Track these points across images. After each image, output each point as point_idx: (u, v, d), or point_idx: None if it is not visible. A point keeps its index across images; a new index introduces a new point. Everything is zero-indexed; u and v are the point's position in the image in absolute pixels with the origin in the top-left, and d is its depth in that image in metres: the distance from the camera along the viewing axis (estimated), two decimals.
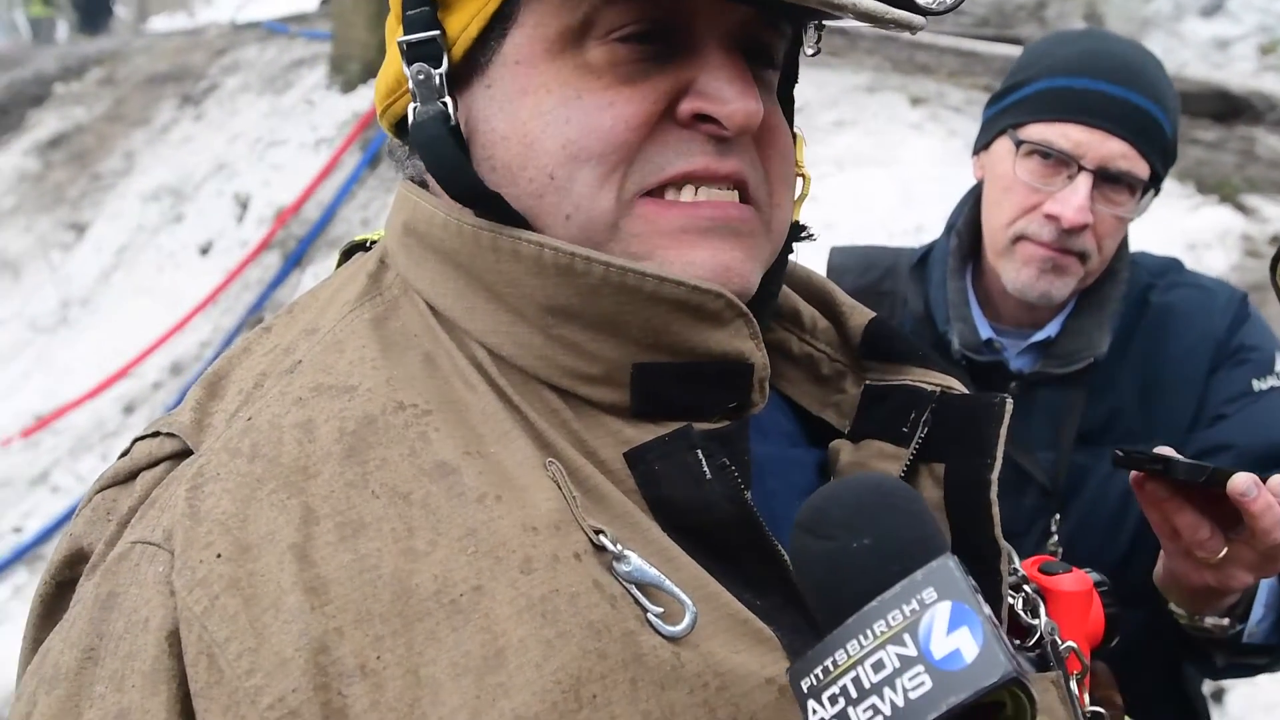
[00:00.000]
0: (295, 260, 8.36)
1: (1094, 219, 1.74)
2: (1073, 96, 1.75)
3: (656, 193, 0.84)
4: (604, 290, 0.82)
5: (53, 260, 10.43)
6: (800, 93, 1.00)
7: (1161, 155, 1.77)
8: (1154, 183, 1.79)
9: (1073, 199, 1.72)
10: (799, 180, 0.95)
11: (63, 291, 9.86)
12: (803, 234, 0.99)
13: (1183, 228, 5.47)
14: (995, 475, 0.89)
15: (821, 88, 7.35)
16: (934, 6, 0.84)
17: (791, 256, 0.98)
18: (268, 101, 10.92)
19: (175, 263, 9.42)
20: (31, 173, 12.31)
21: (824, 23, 0.92)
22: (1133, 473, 1.29)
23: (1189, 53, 11.01)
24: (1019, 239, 1.80)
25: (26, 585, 6.68)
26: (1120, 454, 1.28)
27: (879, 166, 6.53)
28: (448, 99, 0.84)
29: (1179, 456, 1.26)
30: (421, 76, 0.84)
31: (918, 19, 0.84)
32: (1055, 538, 1.78)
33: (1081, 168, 1.73)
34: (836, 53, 8.32)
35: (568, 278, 0.82)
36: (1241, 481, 1.21)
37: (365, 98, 9.60)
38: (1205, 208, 5.85)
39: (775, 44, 0.89)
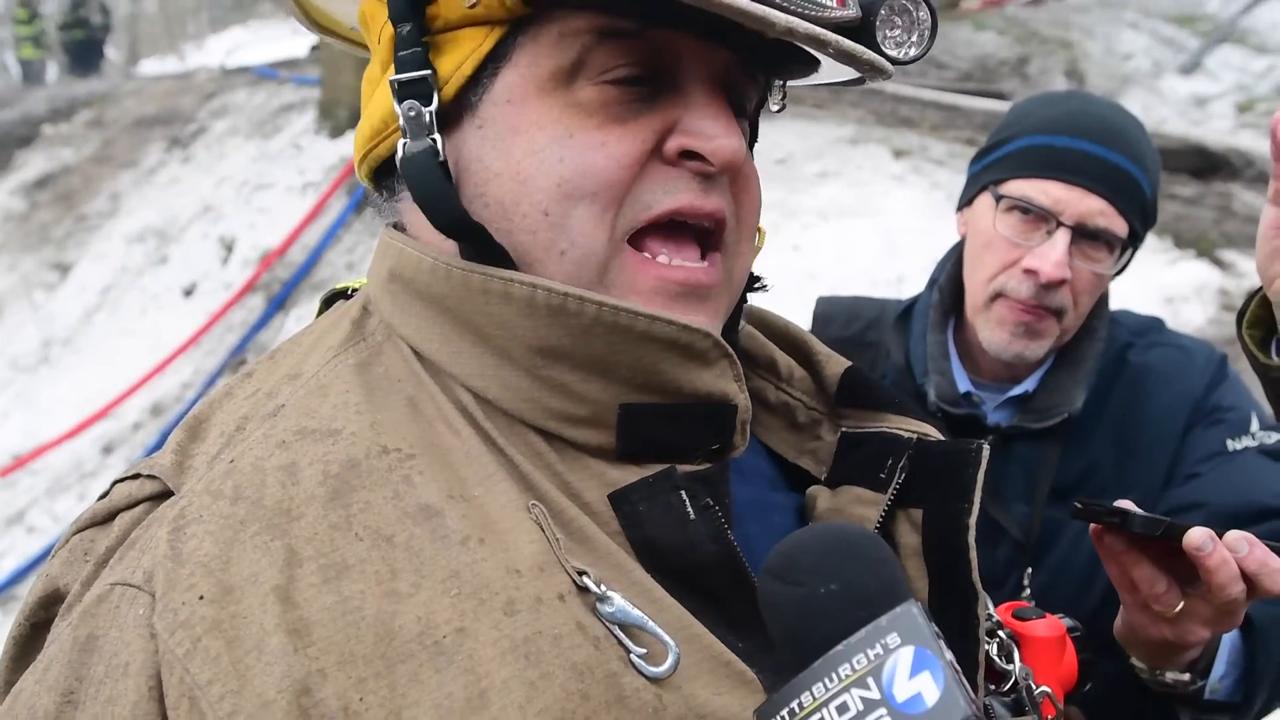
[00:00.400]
0: (279, 303, 8.36)
1: (1072, 275, 1.76)
2: (1053, 154, 1.78)
3: (638, 241, 0.86)
4: (596, 330, 0.83)
5: (36, 300, 10.40)
6: (784, 144, 1.03)
7: (1140, 214, 1.80)
8: (1133, 241, 1.81)
9: (1050, 254, 1.75)
10: (754, 234, 0.97)
11: (45, 331, 9.82)
12: (757, 284, 1.02)
13: (1160, 282, 5.53)
14: (974, 520, 0.90)
15: (806, 139, 7.44)
16: (900, 55, 0.88)
17: (746, 306, 1.00)
18: (255, 145, 10.97)
19: (159, 304, 9.41)
20: (17, 213, 12.30)
21: (790, 82, 0.96)
22: (1091, 525, 1.30)
23: (1168, 109, 11.18)
24: (997, 296, 1.82)
25: (0, 626, 6.62)
26: (1079, 505, 1.30)
27: (862, 217, 6.60)
28: (437, 135, 0.86)
29: (1136, 510, 1.27)
30: (413, 114, 0.86)
31: (888, 65, 0.87)
32: (1028, 590, 1.78)
33: (1060, 223, 1.76)
34: (821, 105, 8.42)
35: (559, 318, 0.83)
36: (1197, 536, 1.22)
37: (353, 142, 9.66)
38: (1183, 262, 5.92)
39: (749, 93, 0.92)
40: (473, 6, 0.84)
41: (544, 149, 0.84)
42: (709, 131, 0.85)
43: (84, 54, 21.13)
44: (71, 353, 9.53)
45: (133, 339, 9.10)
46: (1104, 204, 1.75)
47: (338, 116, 10.10)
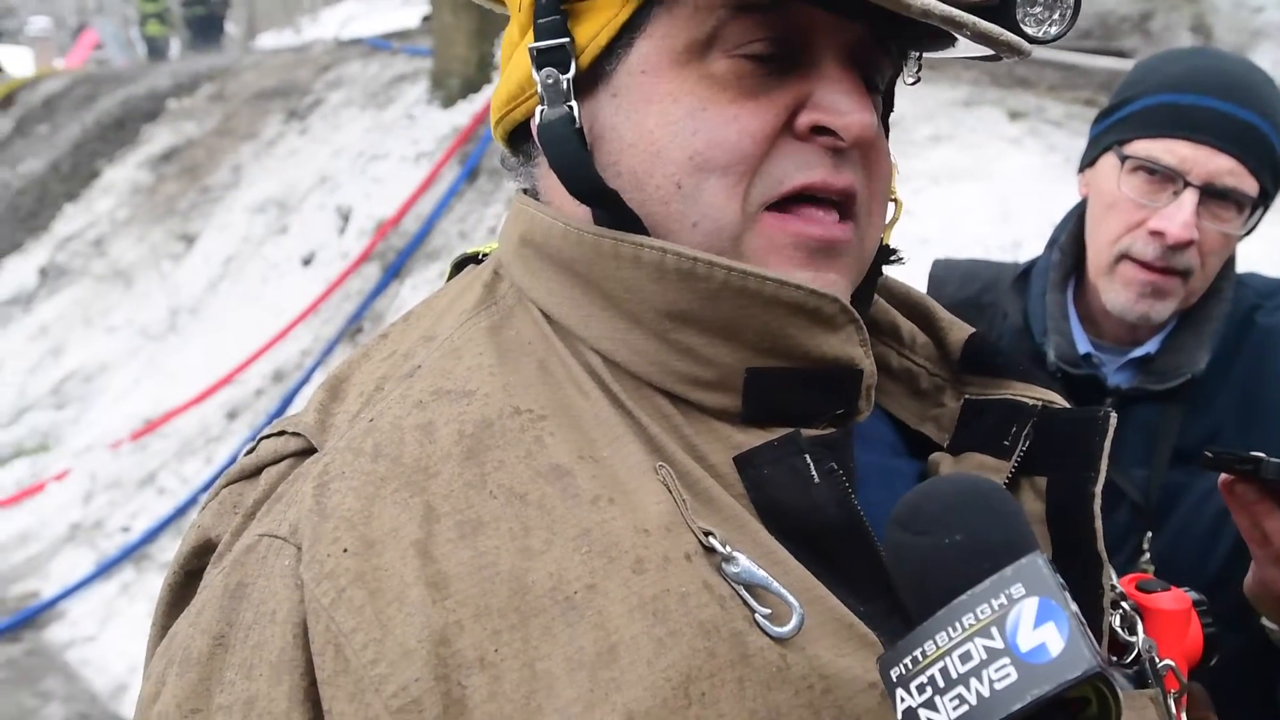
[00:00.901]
0: (394, 271, 8.53)
1: (1199, 235, 1.72)
2: (1179, 112, 1.74)
3: (777, 207, 0.87)
4: (724, 294, 0.84)
5: (163, 270, 10.80)
6: (896, 107, 1.03)
7: (1271, 172, 1.74)
8: (1264, 200, 1.76)
9: (1178, 215, 1.71)
10: (891, 205, 0.97)
11: (172, 300, 10.19)
12: (892, 257, 1.01)
13: None
14: (1099, 489, 0.90)
15: (917, 102, 7.30)
16: (1039, 35, 0.87)
17: (880, 279, 1.00)
18: (370, 116, 11.17)
19: (279, 273, 9.68)
20: (144, 185, 12.75)
21: (926, 53, 0.95)
22: (1221, 475, 1.27)
23: None
24: (1122, 258, 1.79)
25: (134, 583, 6.92)
26: (1209, 455, 1.27)
27: (976, 181, 6.46)
28: (574, 103, 0.88)
29: (1269, 457, 1.23)
30: (550, 81, 0.88)
31: (1026, 45, 0.86)
32: (1148, 555, 1.76)
33: (1188, 183, 1.72)
34: (933, 66, 8.23)
35: (688, 282, 0.84)
36: None
37: (465, 113, 9.77)
38: None
39: (883, 67, 0.92)
40: None
41: (678, 121, 0.85)
42: (841, 107, 0.85)
43: (206, 29, 21.76)
44: (198, 321, 9.87)
45: (255, 307, 9.38)
46: (1233, 162, 1.71)
47: (449, 86, 10.23)
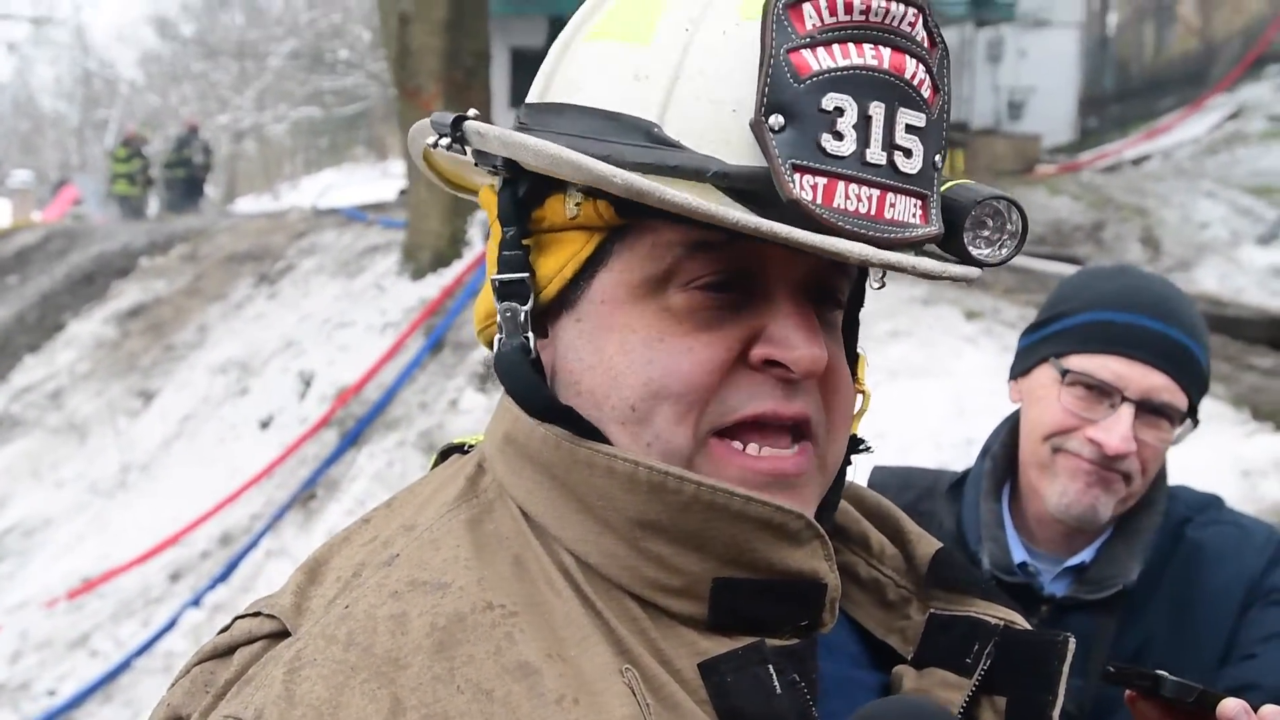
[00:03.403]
0: (352, 439, 8.51)
1: (1137, 446, 1.79)
2: (1115, 330, 1.83)
3: (726, 434, 0.90)
4: (693, 508, 0.87)
5: (119, 426, 10.69)
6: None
7: (1198, 387, 1.84)
8: (1191, 414, 1.84)
9: (1116, 428, 1.78)
10: (859, 396, 1.00)
11: (125, 456, 10.06)
12: (860, 446, 1.04)
13: (1237, 454, 5.44)
14: (1057, 713, 0.92)
15: (878, 299, 7.51)
16: (989, 258, 0.91)
17: (850, 469, 1.03)
18: (340, 284, 11.33)
19: (236, 434, 9.62)
20: (108, 340, 12.75)
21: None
22: (1126, 691, 1.30)
23: (1245, 279, 11.13)
24: (1059, 451, 1.84)
25: None
26: (1111, 669, 1.29)
27: (932, 378, 6.61)
28: (530, 335, 0.92)
29: (1169, 675, 1.26)
30: (509, 314, 0.93)
31: (973, 271, 0.91)
32: None
33: (1124, 398, 1.79)
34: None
35: (659, 494, 0.87)
36: (1230, 707, 1.21)
37: (433, 285, 9.93)
38: (1260, 435, 5.82)
39: (841, 285, 0.96)
40: (573, 217, 0.90)
41: (635, 350, 0.89)
42: (791, 341, 0.88)
43: (185, 192, 22.10)
44: (148, 479, 9.74)
45: (208, 468, 9.29)
46: (1166, 379, 1.79)
47: (420, 260, 10.42)
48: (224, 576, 7.71)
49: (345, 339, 9.97)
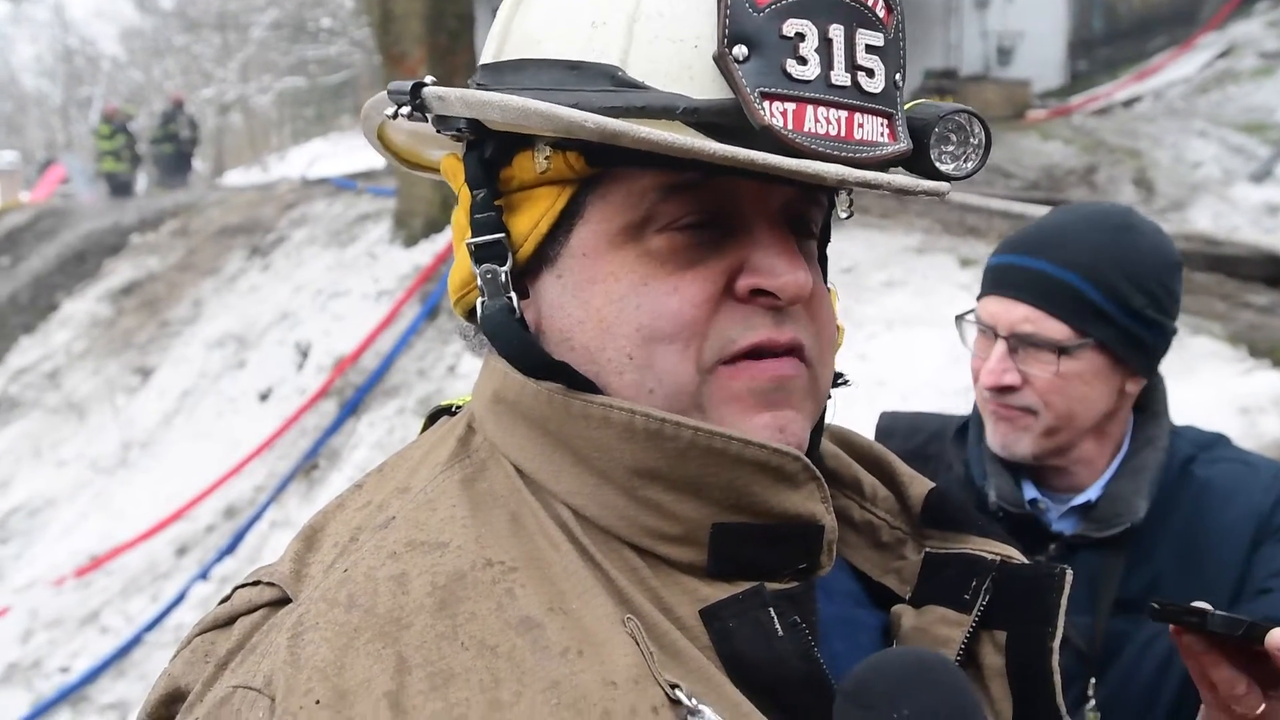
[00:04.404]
0: (351, 408, 8.52)
1: (1029, 379, 1.85)
2: (992, 272, 1.93)
3: (730, 361, 0.91)
4: (691, 453, 0.87)
5: (117, 403, 10.70)
6: (851, 253, 1.08)
7: (1080, 315, 1.85)
8: (1096, 335, 1.85)
9: (988, 363, 1.88)
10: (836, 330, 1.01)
11: (125, 434, 10.08)
12: (839, 380, 1.04)
13: (1235, 392, 5.45)
14: (1057, 644, 0.93)
15: (872, 248, 7.51)
16: (954, 171, 0.92)
17: (829, 403, 1.03)
18: (332, 254, 11.30)
19: (235, 408, 9.63)
20: (103, 318, 12.73)
21: (855, 190, 1.00)
22: (1171, 625, 1.30)
23: (1240, 218, 11.11)
24: (986, 402, 1.93)
25: None
26: (1156, 606, 1.30)
27: (928, 326, 6.61)
28: (512, 294, 0.92)
29: (1215, 610, 1.27)
30: (489, 275, 0.93)
31: (944, 185, 0.92)
32: (1092, 702, 1.78)
33: (997, 335, 1.88)
34: (887, 214, 8.50)
35: (656, 442, 0.87)
36: (1279, 636, 1.22)
37: (427, 252, 9.90)
38: (1258, 372, 5.83)
39: (815, 215, 0.97)
40: (544, 172, 0.90)
41: (622, 297, 0.89)
42: (776, 269, 0.89)
43: (173, 167, 21.99)
44: (149, 456, 9.76)
45: (209, 442, 9.31)
46: (1030, 310, 1.85)
47: (412, 226, 10.39)
48: (230, 549, 7.75)
49: (340, 308, 9.95)
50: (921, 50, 18.43)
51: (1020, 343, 1.86)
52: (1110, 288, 1.85)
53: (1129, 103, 16.69)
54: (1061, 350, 1.84)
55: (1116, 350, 1.86)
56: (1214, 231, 9.72)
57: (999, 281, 1.91)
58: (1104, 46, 22.86)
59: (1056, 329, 1.85)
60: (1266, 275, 7.67)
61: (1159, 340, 1.89)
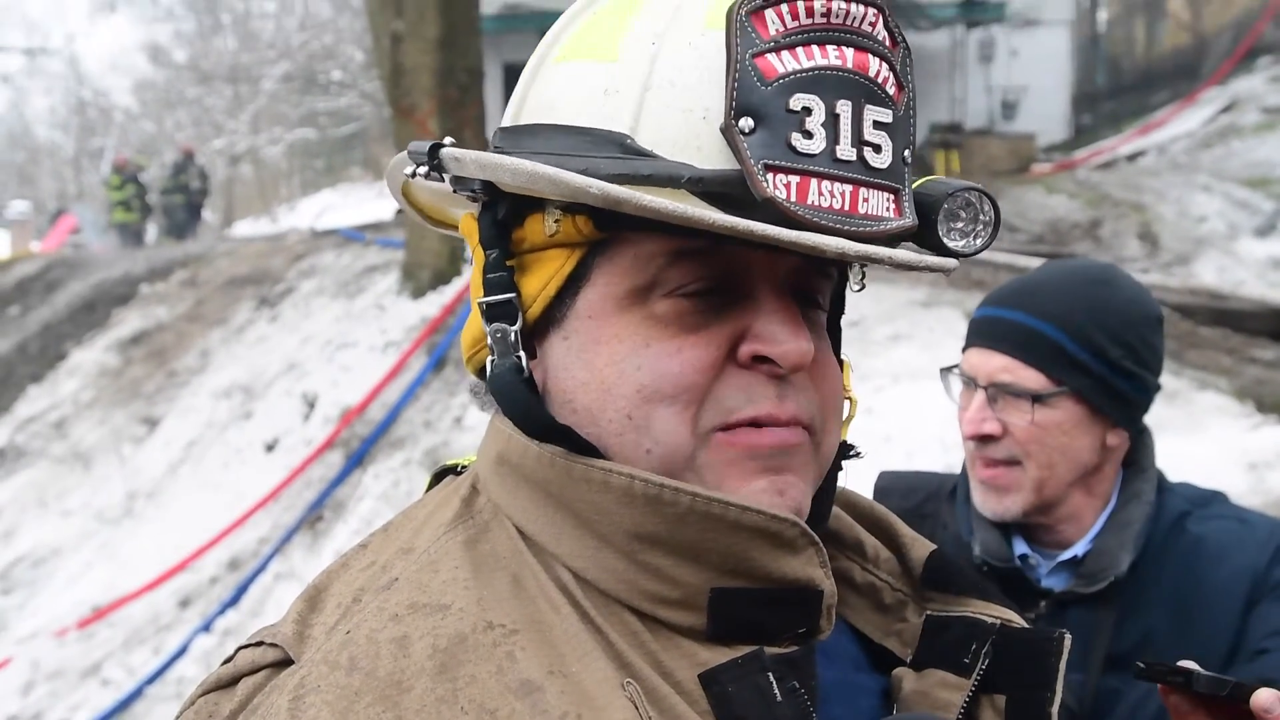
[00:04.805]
0: (357, 460, 8.51)
1: (1009, 428, 1.88)
2: (975, 325, 1.98)
3: (728, 428, 0.91)
4: (690, 519, 0.88)
5: (123, 453, 10.71)
6: (857, 306, 1.08)
7: (1055, 364, 1.87)
8: (1067, 388, 1.87)
9: (968, 413, 1.92)
10: (846, 404, 1.01)
11: (131, 484, 10.07)
12: (850, 452, 1.05)
13: (1243, 448, 5.43)
14: (1056, 709, 0.93)
15: (878, 302, 7.53)
16: (962, 250, 0.93)
17: (841, 474, 1.04)
18: (340, 305, 11.34)
19: (241, 459, 9.63)
20: (111, 368, 12.77)
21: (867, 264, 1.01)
22: (1158, 685, 1.30)
23: (1244, 272, 11.14)
24: (972, 458, 1.95)
25: None
26: (1142, 665, 1.30)
27: (934, 380, 6.60)
28: (521, 354, 0.93)
29: (1201, 670, 1.27)
30: (499, 335, 0.94)
31: (949, 262, 0.93)
32: None
33: (978, 385, 1.91)
34: (894, 269, 8.52)
35: (655, 507, 0.88)
36: (1265, 697, 1.21)
37: (434, 304, 9.94)
38: (1266, 427, 5.82)
39: (822, 287, 0.97)
40: (553, 235, 0.92)
41: (624, 359, 0.90)
42: (778, 336, 0.89)
43: (183, 217, 22.16)
44: (155, 506, 9.74)
45: (214, 493, 9.29)
46: (1007, 360, 1.89)
47: (420, 278, 10.44)
48: (234, 601, 7.72)
49: (347, 360, 9.98)
50: (927, 104, 18.59)
51: (999, 392, 1.89)
52: (1085, 338, 1.87)
53: (1133, 157, 16.82)
54: (1036, 399, 1.87)
55: (1093, 400, 1.87)
56: (1219, 286, 9.75)
57: (980, 333, 1.95)
58: (1108, 100, 23.07)
59: (1032, 378, 1.87)
60: (1273, 329, 7.68)
61: (1138, 392, 1.91)
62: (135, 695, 7.16)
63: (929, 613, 1.01)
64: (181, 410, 11.05)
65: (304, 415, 9.59)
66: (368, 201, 17.87)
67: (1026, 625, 1.00)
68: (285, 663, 0.88)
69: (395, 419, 8.73)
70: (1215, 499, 1.98)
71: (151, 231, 23.51)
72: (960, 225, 0.93)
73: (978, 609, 1.00)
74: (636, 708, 0.83)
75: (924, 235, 0.92)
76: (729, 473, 0.90)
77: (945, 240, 0.92)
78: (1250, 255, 11.57)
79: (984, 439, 1.89)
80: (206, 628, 7.57)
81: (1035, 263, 9.26)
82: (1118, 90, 23.67)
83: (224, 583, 8.11)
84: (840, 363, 1.02)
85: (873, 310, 7.36)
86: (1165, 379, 1.98)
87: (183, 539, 8.70)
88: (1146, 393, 1.92)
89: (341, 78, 31.57)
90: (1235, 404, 6.05)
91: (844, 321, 1.06)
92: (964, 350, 1.97)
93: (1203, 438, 5.41)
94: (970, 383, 1.93)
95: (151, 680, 7.26)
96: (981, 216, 0.93)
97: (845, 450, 1.03)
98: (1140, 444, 1.97)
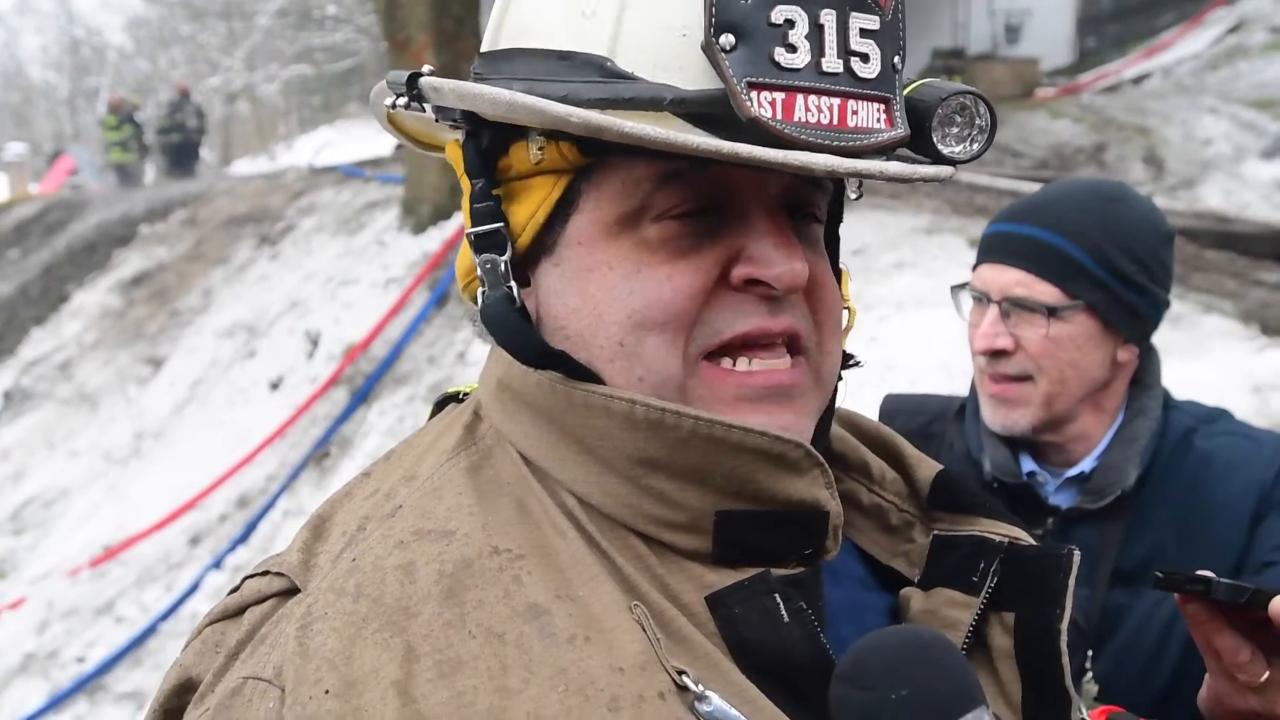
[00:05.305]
0: (362, 396, 8.53)
1: (1022, 343, 1.88)
2: (986, 241, 1.97)
3: (715, 357, 0.90)
4: (693, 442, 0.87)
5: (129, 394, 10.74)
6: (860, 235, 1.06)
7: (1069, 278, 1.87)
8: (1082, 301, 1.87)
9: (981, 327, 1.91)
10: (845, 313, 1.00)
11: (137, 424, 10.11)
12: (850, 361, 1.04)
13: (1248, 370, 5.42)
14: (1064, 625, 0.93)
15: (881, 230, 7.48)
16: (958, 156, 0.90)
17: (841, 385, 1.02)
18: (341, 242, 11.29)
19: (246, 397, 9.65)
20: (114, 309, 12.76)
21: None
22: (1175, 593, 1.30)
23: (1250, 195, 11.04)
24: (982, 374, 1.94)
25: (87, 716, 6.72)
26: (1160, 575, 1.30)
27: (938, 307, 6.58)
28: (513, 284, 0.92)
29: (1219, 578, 1.27)
30: (489, 265, 0.93)
31: (946, 170, 0.90)
32: (1090, 674, 1.78)
33: (990, 300, 1.90)
34: (896, 195, 8.47)
35: (657, 431, 0.87)
36: None
37: (435, 239, 9.90)
38: (1270, 349, 5.81)
39: (817, 200, 0.95)
40: (538, 162, 0.90)
41: (615, 285, 0.89)
42: (771, 258, 0.88)
43: (180, 156, 22.03)
44: (162, 445, 9.79)
45: (220, 431, 9.33)
46: (1020, 274, 1.88)
47: (420, 213, 10.38)
48: (243, 538, 7.78)
49: (349, 296, 9.96)
50: (928, 29, 18.33)
51: (1012, 306, 1.88)
52: (1099, 252, 1.87)
53: (1138, 80, 16.61)
54: (1051, 312, 1.86)
55: (1106, 314, 1.87)
56: (1225, 209, 9.67)
57: (992, 249, 1.94)
58: (1112, 23, 22.71)
59: (1047, 291, 1.87)
60: (1278, 252, 7.63)
61: (1149, 307, 1.90)
62: (149, 631, 7.25)
63: (936, 532, 1.01)
64: (185, 350, 11.06)
65: (308, 353, 9.59)
66: (366, 138, 17.70)
67: (1034, 543, 1.00)
68: (291, 591, 0.88)
69: (399, 355, 8.73)
70: (1221, 416, 1.98)
71: (149, 171, 23.37)
72: (956, 130, 0.91)
73: (985, 528, 1.00)
74: (644, 629, 0.83)
75: (919, 143, 0.90)
76: (720, 406, 0.90)
77: (940, 147, 0.90)
78: (1256, 178, 11.46)
79: (996, 354, 1.89)
80: (217, 564, 7.64)
81: (1039, 188, 9.19)
82: (1123, 12, 23.31)
83: (233, 520, 8.18)
84: (838, 273, 1.00)
85: (875, 238, 7.32)
86: (1170, 302, 1.97)
87: (191, 478, 8.75)
88: (1158, 309, 1.92)
89: (336, 12, 31.15)
90: (1240, 327, 6.03)
91: (847, 249, 1.04)
92: (975, 267, 1.96)
93: (1207, 361, 5.40)
94: (983, 298, 1.92)
95: (165, 617, 7.35)
96: (978, 120, 0.91)
97: (845, 359, 1.02)
98: (1147, 361, 1.97)
